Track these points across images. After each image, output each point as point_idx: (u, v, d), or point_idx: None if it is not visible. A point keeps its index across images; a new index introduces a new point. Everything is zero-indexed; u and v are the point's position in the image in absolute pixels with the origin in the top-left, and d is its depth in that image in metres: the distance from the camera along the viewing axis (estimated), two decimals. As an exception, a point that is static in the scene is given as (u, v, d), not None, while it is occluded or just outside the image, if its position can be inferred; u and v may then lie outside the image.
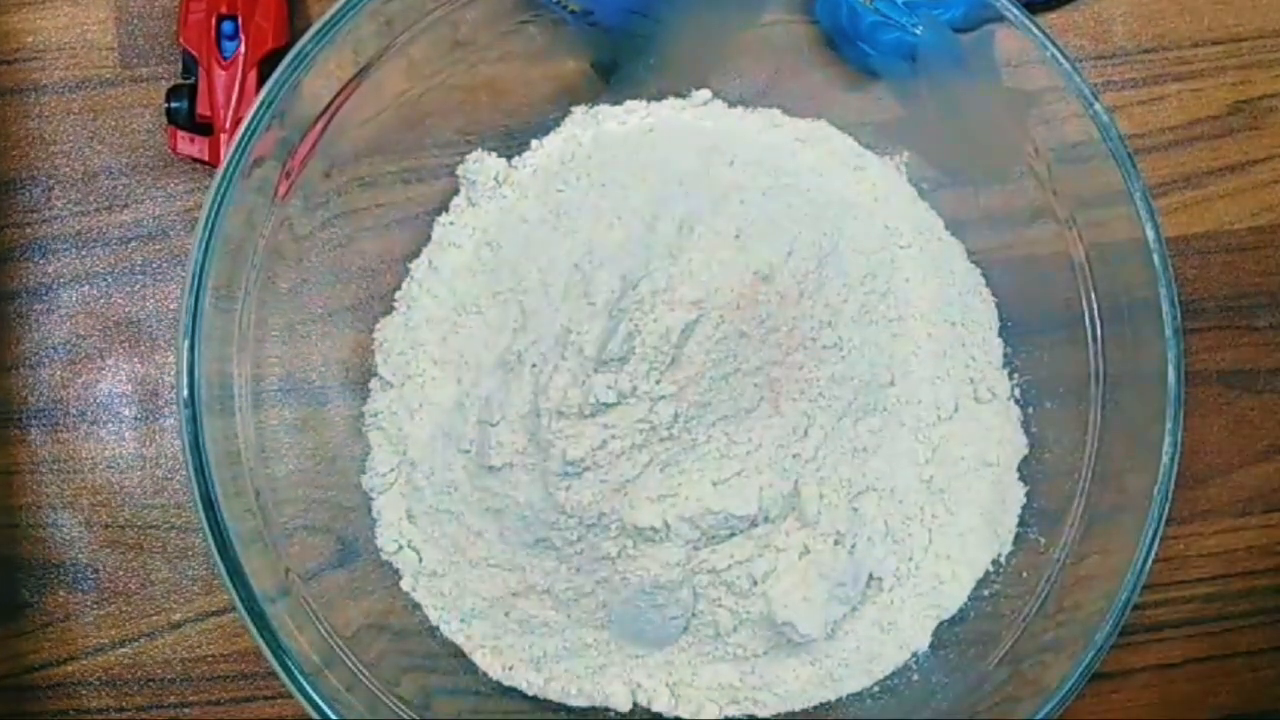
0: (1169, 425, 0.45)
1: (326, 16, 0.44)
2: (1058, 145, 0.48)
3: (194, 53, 0.50)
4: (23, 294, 0.52)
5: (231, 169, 0.44)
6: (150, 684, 0.52)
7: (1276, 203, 0.55)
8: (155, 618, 0.52)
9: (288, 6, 0.51)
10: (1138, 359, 0.47)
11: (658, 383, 0.45)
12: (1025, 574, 0.49)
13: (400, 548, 0.49)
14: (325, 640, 0.46)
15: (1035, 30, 0.46)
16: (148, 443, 0.52)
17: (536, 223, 0.50)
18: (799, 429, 0.47)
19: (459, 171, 0.51)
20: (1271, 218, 0.55)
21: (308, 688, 0.43)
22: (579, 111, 0.52)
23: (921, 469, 0.49)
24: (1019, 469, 0.50)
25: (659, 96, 0.52)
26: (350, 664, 0.46)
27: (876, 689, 0.49)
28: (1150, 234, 0.45)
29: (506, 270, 0.49)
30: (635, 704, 0.49)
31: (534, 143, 0.52)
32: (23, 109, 0.53)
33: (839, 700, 0.49)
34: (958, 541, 0.49)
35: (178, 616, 0.52)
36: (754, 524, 0.46)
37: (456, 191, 0.51)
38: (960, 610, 0.49)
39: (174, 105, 0.50)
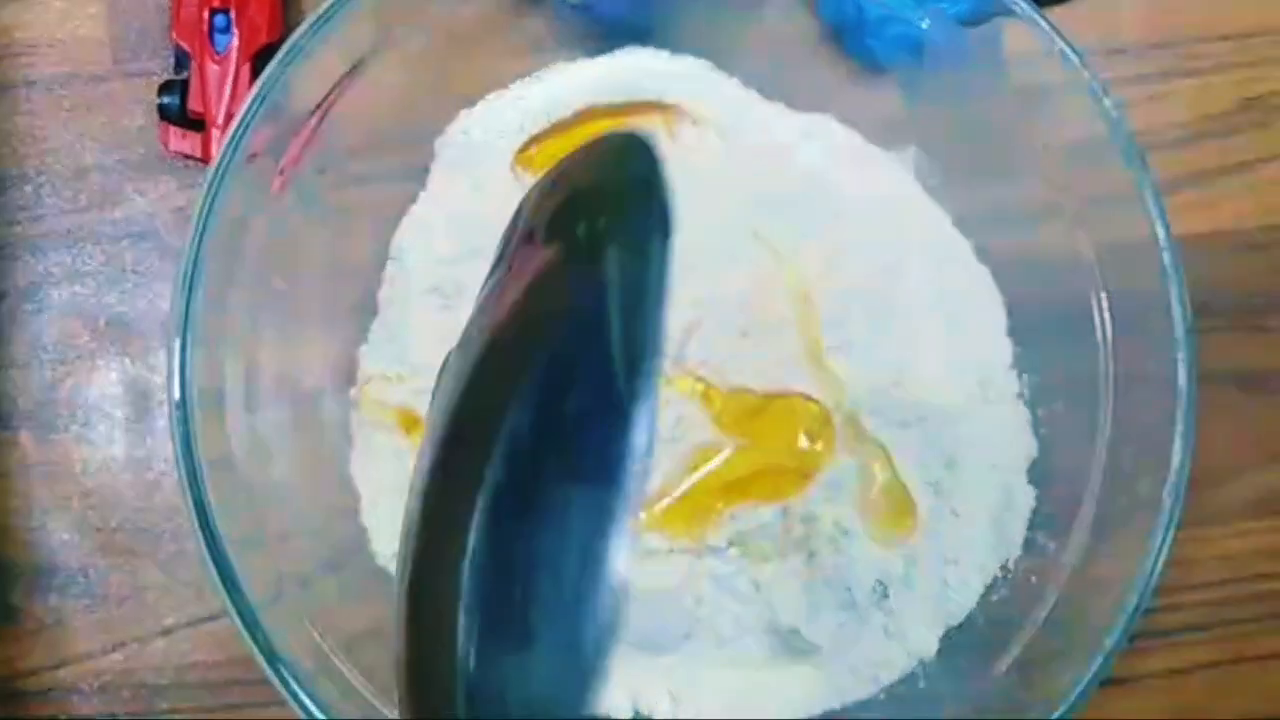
0: (1180, 427, 0.44)
1: (321, 10, 0.44)
2: (1066, 142, 0.47)
3: (186, 47, 0.49)
4: (11, 293, 0.52)
5: (224, 165, 0.43)
6: (142, 690, 0.51)
7: (1287, 201, 0.54)
8: (147, 623, 0.51)
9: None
10: (1148, 359, 0.46)
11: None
12: (1034, 579, 0.48)
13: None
14: (319, 647, 0.45)
15: (1043, 25, 0.45)
16: (139, 445, 0.52)
17: (535, 221, 0.49)
18: (803, 431, 0.46)
19: (457, 169, 0.51)
20: (1282, 216, 0.54)
21: (301, 695, 0.42)
22: (578, 107, 0.51)
23: (929, 472, 0.48)
24: (1027, 472, 0.49)
25: (659, 92, 0.51)
26: (345, 671, 0.45)
27: (882, 696, 0.48)
28: (1161, 232, 0.45)
29: (505, 269, 0.48)
30: (636, 711, 0.48)
31: (533, 139, 0.51)
32: (12, 105, 0.52)
33: (844, 708, 0.48)
34: (966, 546, 0.48)
35: (170, 622, 0.51)
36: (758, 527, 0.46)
37: (454, 189, 0.51)
38: (968, 616, 0.48)
39: (166, 101, 0.49)
